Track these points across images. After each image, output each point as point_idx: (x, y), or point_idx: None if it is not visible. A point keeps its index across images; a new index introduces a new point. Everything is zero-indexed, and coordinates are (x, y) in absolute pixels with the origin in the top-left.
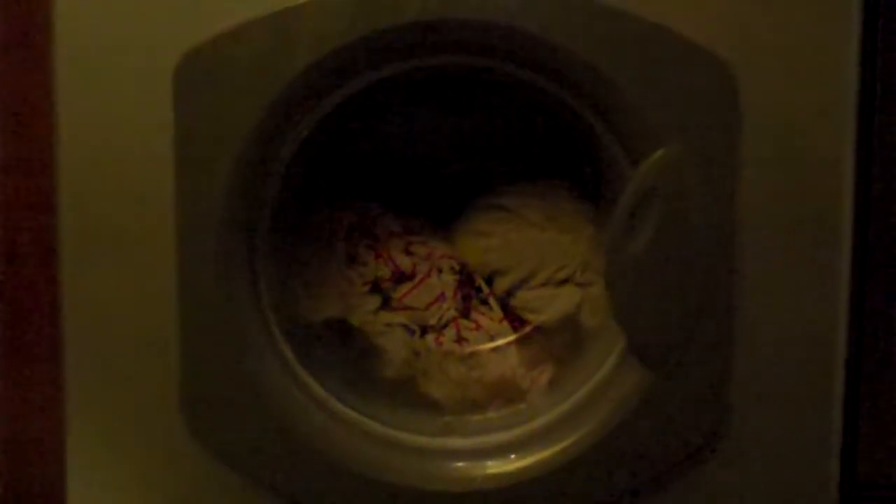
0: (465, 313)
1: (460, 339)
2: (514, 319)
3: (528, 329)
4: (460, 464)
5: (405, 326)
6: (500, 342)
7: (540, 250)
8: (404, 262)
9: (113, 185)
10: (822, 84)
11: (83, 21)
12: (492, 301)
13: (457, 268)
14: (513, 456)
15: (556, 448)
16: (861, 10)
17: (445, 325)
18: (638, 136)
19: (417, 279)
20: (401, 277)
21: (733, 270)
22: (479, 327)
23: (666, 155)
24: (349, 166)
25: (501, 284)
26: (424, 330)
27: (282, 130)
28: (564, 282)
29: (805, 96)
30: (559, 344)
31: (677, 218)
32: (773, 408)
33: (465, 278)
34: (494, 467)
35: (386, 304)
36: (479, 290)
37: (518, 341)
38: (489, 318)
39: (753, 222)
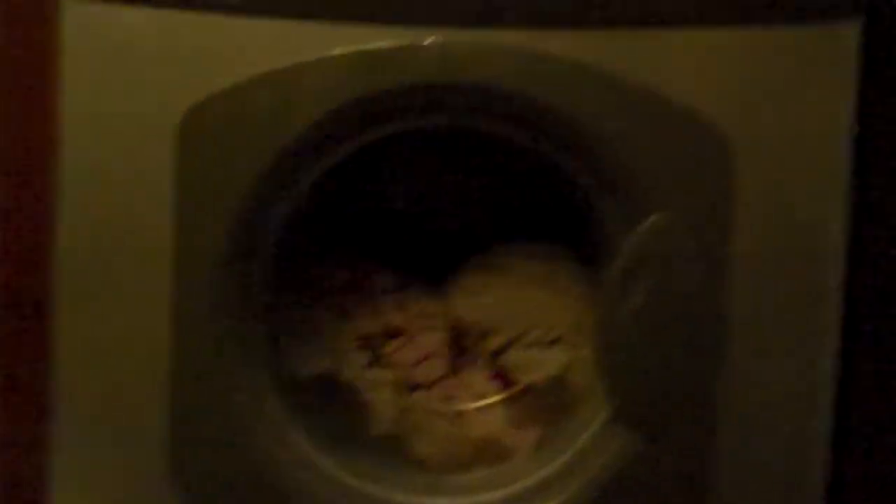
0: (454, 371)
1: (448, 398)
2: (504, 379)
3: (516, 389)
4: None
5: (394, 383)
6: (488, 401)
7: (532, 310)
8: (396, 319)
9: (112, 238)
10: (816, 155)
11: (89, 74)
12: (481, 360)
13: (448, 325)
14: None
15: None
16: (858, 85)
17: (434, 383)
18: (632, 202)
19: (408, 336)
20: (392, 334)
21: (723, 337)
22: (467, 386)
23: (659, 221)
24: (345, 222)
25: (492, 343)
26: (413, 387)
27: (281, 187)
28: (555, 342)
29: (798, 166)
30: (547, 405)
31: (669, 283)
32: (758, 476)
33: (456, 336)
34: None
35: (376, 360)
36: (469, 348)
37: (506, 401)
38: (478, 377)
39: (744, 290)
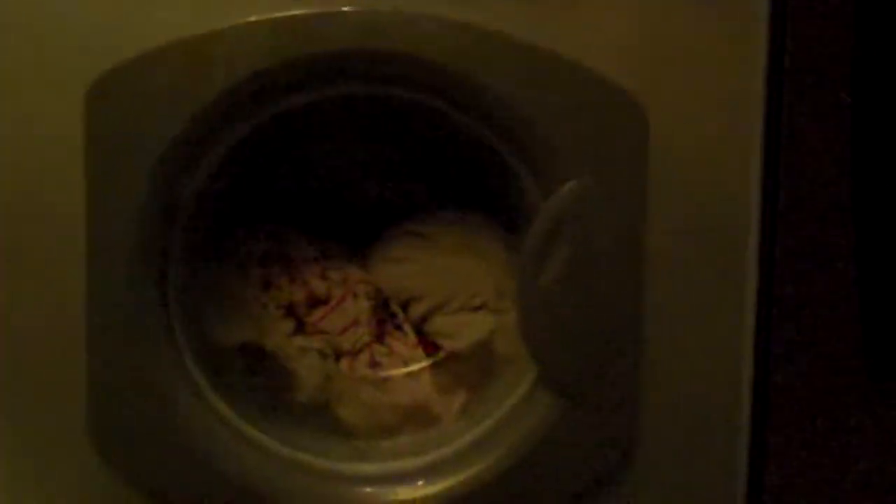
0: (379, 339)
1: (374, 365)
2: (429, 345)
3: (441, 355)
4: (369, 489)
5: (319, 351)
6: (414, 368)
7: (455, 277)
8: (319, 287)
9: (22, 206)
10: (730, 119)
11: None
12: (406, 327)
13: (372, 293)
14: (421, 482)
15: (466, 475)
16: (767, 47)
17: (360, 351)
18: (549, 169)
19: (332, 304)
20: (315, 302)
21: (641, 299)
22: (393, 353)
23: (575, 187)
24: (265, 191)
25: (416, 310)
26: (339, 355)
27: (195, 155)
28: (479, 308)
29: (713, 131)
30: (472, 370)
31: (587, 249)
32: (681, 438)
33: (381, 304)
34: (403, 493)
35: (300, 328)
36: (393, 315)
37: (432, 367)
38: (403, 343)
39: (660, 254)
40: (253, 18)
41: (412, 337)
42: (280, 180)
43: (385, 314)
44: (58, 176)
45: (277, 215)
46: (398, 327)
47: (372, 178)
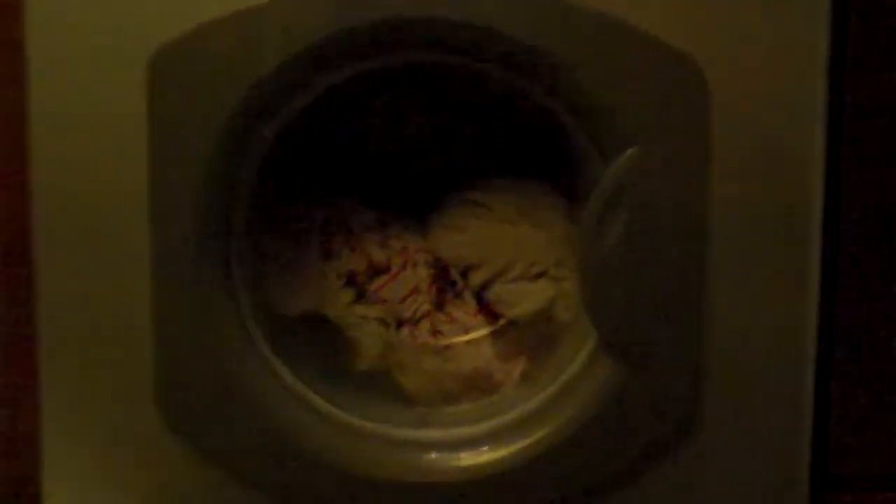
0: (439, 307)
1: (435, 332)
2: (489, 313)
3: (502, 323)
4: (433, 455)
5: (380, 319)
6: (475, 335)
7: (514, 245)
8: (379, 256)
9: (86, 178)
10: (793, 86)
11: (56, 13)
12: (466, 295)
13: (431, 262)
14: (485, 448)
15: (529, 440)
16: (831, 15)
17: (420, 319)
18: (610, 135)
19: (392, 272)
20: (376, 271)
21: (703, 267)
22: (453, 321)
23: (637, 154)
24: (324, 161)
25: (476, 278)
26: (399, 323)
27: (256, 125)
28: (539, 276)
29: (776, 98)
30: (533, 338)
31: (648, 216)
32: (744, 402)
33: (440, 272)
34: (467, 459)
35: (361, 297)
36: (453, 283)
37: (492, 335)
38: (464, 311)
39: (723, 220)
40: None
41: (472, 305)
42: (339, 150)
43: (445, 282)
44: (120, 148)
45: (337, 185)
46: (458, 295)
47: (431, 147)
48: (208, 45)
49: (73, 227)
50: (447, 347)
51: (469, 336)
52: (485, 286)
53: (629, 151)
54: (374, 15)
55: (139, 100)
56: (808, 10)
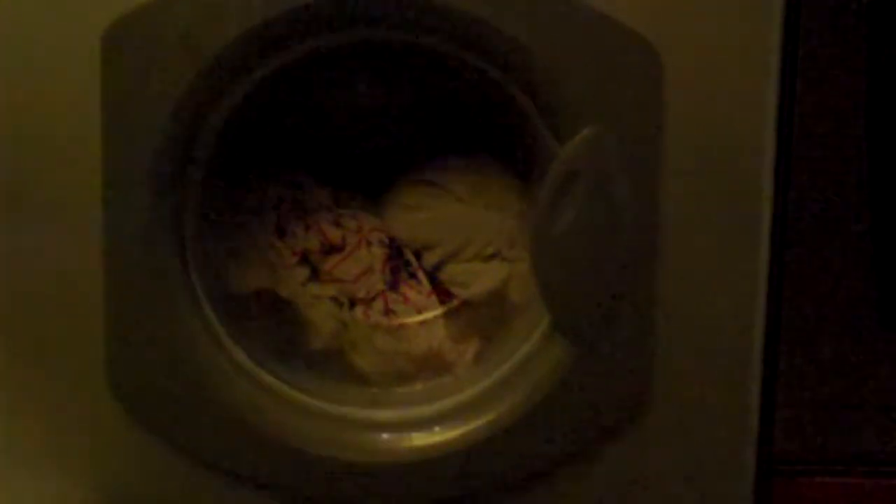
0: (393, 286)
1: (388, 312)
2: (442, 293)
3: (455, 303)
4: (385, 435)
5: (334, 298)
6: (428, 315)
7: (468, 225)
8: (333, 235)
9: (39, 150)
10: (745, 67)
11: None
12: (420, 275)
13: (386, 241)
14: (437, 428)
15: (482, 421)
16: None
17: (374, 298)
18: (564, 115)
19: (346, 251)
20: (330, 249)
21: (655, 249)
22: (407, 300)
23: (591, 134)
24: (279, 138)
25: (430, 258)
26: (353, 302)
27: (210, 100)
28: (492, 257)
29: (728, 78)
30: (486, 318)
31: (601, 197)
32: (693, 383)
33: (394, 251)
34: (419, 439)
35: (315, 275)
36: (407, 263)
37: (445, 315)
38: (417, 291)
39: (675, 202)
40: None
41: (426, 285)
42: (293, 127)
43: (399, 262)
44: (75, 121)
45: (292, 163)
46: (412, 275)
47: (385, 125)
48: (164, 19)
49: (25, 201)
50: (400, 327)
51: (422, 316)
52: (438, 266)
53: (583, 132)
54: None
55: (93, 75)
56: None
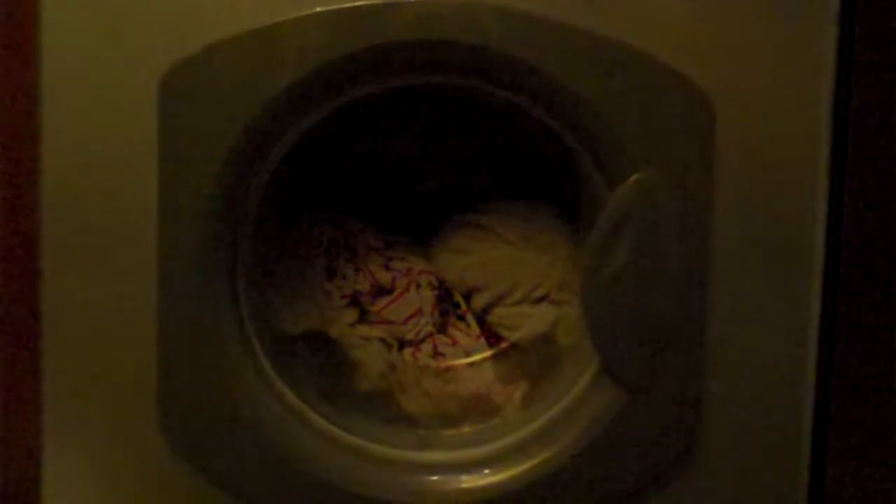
0: (442, 329)
1: (437, 354)
2: (491, 336)
3: (503, 346)
4: (435, 478)
5: (382, 340)
6: (476, 358)
7: (517, 268)
8: (383, 277)
9: (96, 194)
10: (797, 117)
11: (69, 29)
12: (469, 317)
13: (435, 283)
14: (486, 471)
15: (530, 464)
16: (836, 49)
17: (422, 340)
18: (615, 161)
19: (396, 293)
20: (379, 291)
21: (706, 294)
22: (455, 343)
23: (642, 180)
24: (331, 182)
25: (478, 301)
26: (402, 344)
27: (264, 145)
28: (541, 300)
29: (780, 126)
30: (534, 361)
31: (652, 242)
32: (743, 430)
33: (443, 294)
34: (468, 482)
35: (364, 317)
36: (456, 305)
37: (494, 357)
38: (466, 333)
39: (726, 248)
40: (318, 9)
41: (474, 327)
42: (345, 171)
43: (448, 304)
44: (131, 167)
45: (342, 206)
46: (461, 318)
47: (435, 169)
48: (220, 65)
49: (81, 247)
50: (448, 369)
51: (471, 358)
52: (487, 309)
53: (634, 177)
54: (383, 36)
55: (150, 119)
56: (814, 37)
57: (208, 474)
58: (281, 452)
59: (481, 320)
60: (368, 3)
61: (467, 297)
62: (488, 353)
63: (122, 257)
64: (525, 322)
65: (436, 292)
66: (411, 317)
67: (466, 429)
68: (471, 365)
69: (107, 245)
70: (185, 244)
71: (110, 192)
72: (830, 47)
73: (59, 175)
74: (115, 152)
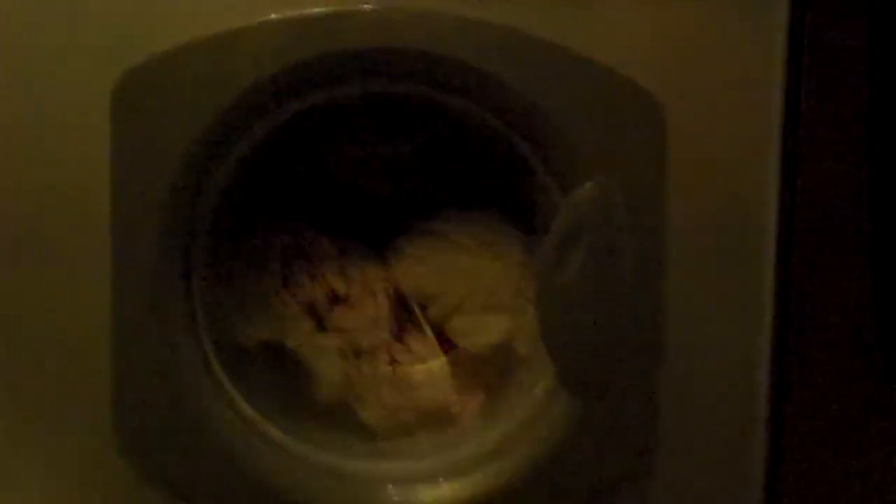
0: (398, 337)
1: (393, 363)
2: (447, 345)
3: (460, 355)
4: (391, 488)
5: (339, 350)
6: (433, 367)
7: (473, 277)
8: (339, 285)
9: (47, 203)
10: (748, 119)
11: (19, 35)
12: (425, 326)
13: (391, 292)
14: (443, 481)
15: (487, 474)
16: (786, 49)
17: (379, 349)
18: (568, 167)
19: (351, 302)
20: (335, 300)
21: (660, 300)
22: (411, 352)
23: (595, 186)
24: (285, 189)
25: (435, 310)
26: (358, 354)
27: (218, 152)
28: (497, 308)
29: (731, 131)
30: (491, 370)
31: (605, 248)
32: (699, 437)
33: (400, 302)
34: (425, 492)
35: (320, 326)
36: (412, 314)
37: (450, 367)
38: (422, 343)
39: (680, 253)
40: (273, 17)
41: (431, 336)
42: (299, 177)
43: (404, 313)
44: (83, 172)
45: (298, 213)
46: (417, 326)
47: (391, 176)
48: (173, 72)
49: (32, 253)
50: (405, 379)
51: (427, 367)
52: (444, 317)
53: (588, 184)
54: (336, 44)
55: (102, 127)
56: (764, 46)
57: (162, 485)
58: (236, 464)
59: (438, 329)
60: (324, 10)
61: (424, 305)
62: (445, 362)
63: (75, 267)
64: (482, 330)
65: (392, 300)
66: (367, 325)
67: (423, 439)
68: (427, 374)
69: (59, 255)
70: (138, 254)
71: (62, 202)
72: (780, 53)
73: (9, 183)
74: (67, 161)
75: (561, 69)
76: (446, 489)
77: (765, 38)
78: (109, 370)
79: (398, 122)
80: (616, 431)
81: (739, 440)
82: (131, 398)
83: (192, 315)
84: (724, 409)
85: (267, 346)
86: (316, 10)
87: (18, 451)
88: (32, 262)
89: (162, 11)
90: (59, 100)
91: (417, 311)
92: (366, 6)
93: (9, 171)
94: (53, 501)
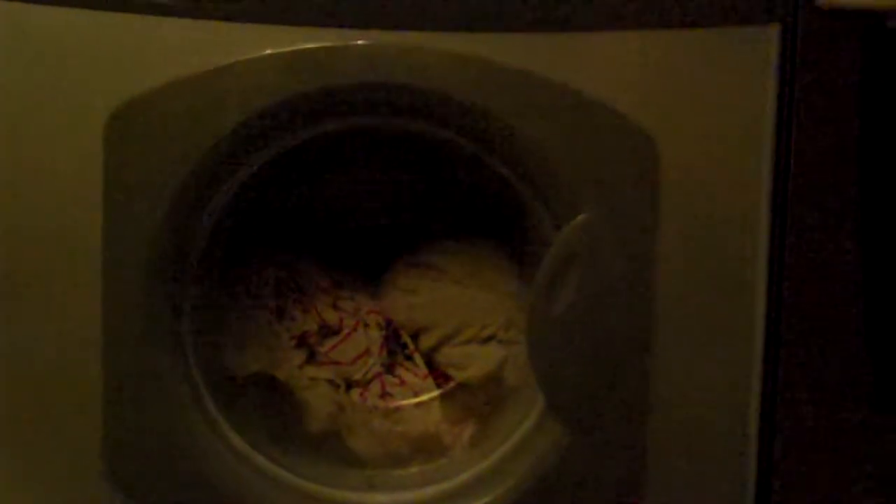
0: (390, 369)
1: (385, 395)
2: (439, 376)
3: (451, 385)
4: None
5: (330, 381)
6: (424, 398)
7: (464, 308)
8: (331, 317)
9: (39, 237)
10: (739, 155)
11: (14, 70)
12: (416, 357)
13: (382, 323)
14: None
15: (478, 503)
16: (777, 86)
17: (370, 381)
18: (560, 201)
19: (344, 334)
20: (327, 332)
21: (650, 333)
22: (403, 383)
23: (587, 220)
24: (277, 221)
25: (426, 341)
26: (349, 385)
27: (210, 186)
28: (489, 339)
29: (722, 166)
30: (482, 401)
31: (597, 281)
32: (688, 468)
33: (391, 334)
34: None
35: (312, 358)
36: (404, 345)
37: (441, 397)
38: (414, 373)
39: (669, 286)
40: (268, 52)
41: (422, 367)
42: (292, 210)
43: (395, 344)
44: (76, 205)
45: (290, 245)
46: (408, 357)
47: (383, 209)
48: (166, 107)
49: (24, 288)
50: (396, 410)
51: (418, 399)
52: (435, 348)
53: (579, 217)
54: (329, 79)
55: (95, 161)
56: (755, 83)
57: None
58: (228, 495)
59: (429, 360)
60: (317, 45)
61: (415, 336)
62: (436, 393)
63: (66, 299)
64: (473, 362)
65: (383, 332)
66: (359, 357)
67: (414, 469)
68: (419, 405)
69: (50, 286)
70: (129, 287)
71: (54, 235)
72: (771, 89)
73: (3, 222)
74: (60, 195)
75: (554, 104)
76: None
77: (755, 71)
78: (100, 400)
79: (391, 155)
80: (606, 461)
81: (729, 469)
82: (122, 429)
83: (182, 348)
84: (713, 438)
85: (258, 378)
86: (309, 45)
87: (7, 477)
88: (25, 295)
89: (156, 46)
90: (53, 133)
91: (409, 342)
92: (358, 42)
93: (2, 204)
94: None
